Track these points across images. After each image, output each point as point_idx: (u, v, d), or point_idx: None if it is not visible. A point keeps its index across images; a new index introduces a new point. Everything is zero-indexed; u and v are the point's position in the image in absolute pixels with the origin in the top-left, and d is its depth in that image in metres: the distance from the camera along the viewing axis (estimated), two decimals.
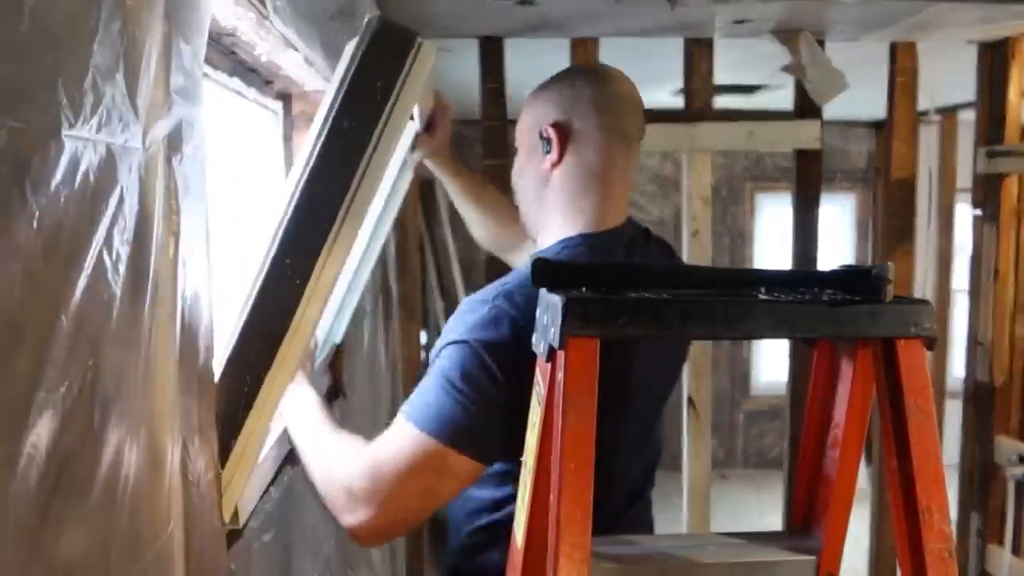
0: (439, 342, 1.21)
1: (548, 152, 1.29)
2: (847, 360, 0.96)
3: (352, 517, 1.18)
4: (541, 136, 1.30)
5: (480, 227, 1.85)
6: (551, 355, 0.85)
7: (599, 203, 1.29)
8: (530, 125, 1.34)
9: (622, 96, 1.31)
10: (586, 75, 1.35)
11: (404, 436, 1.16)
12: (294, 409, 1.34)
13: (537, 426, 0.89)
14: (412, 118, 1.71)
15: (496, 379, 1.12)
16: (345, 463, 1.21)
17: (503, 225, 1.78)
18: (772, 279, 0.89)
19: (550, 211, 1.32)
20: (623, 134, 1.29)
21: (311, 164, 1.06)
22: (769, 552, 0.99)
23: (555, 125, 1.28)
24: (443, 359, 1.17)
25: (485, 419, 1.13)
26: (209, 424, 0.90)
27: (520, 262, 1.74)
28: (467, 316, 1.18)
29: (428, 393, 1.16)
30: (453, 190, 1.84)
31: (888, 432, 0.88)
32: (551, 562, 0.81)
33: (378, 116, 1.10)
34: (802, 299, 0.86)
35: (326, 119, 1.09)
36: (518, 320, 1.13)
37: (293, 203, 1.04)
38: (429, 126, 1.73)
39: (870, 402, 0.95)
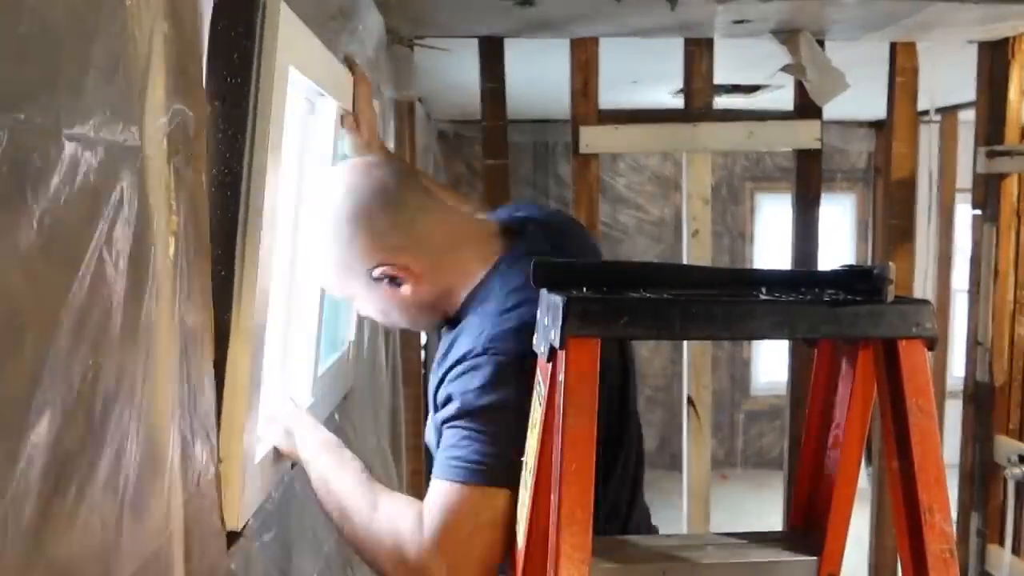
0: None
1: (401, 288, 1.24)
2: (848, 360, 0.96)
3: None
4: (379, 281, 1.24)
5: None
6: (552, 355, 0.85)
7: (474, 247, 1.27)
8: (352, 283, 1.27)
9: (386, 195, 1.25)
10: (377, 193, 1.25)
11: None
12: (323, 458, 1.21)
13: (538, 426, 0.89)
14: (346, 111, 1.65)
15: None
16: (411, 539, 1.08)
17: None
18: (773, 279, 0.89)
19: (447, 295, 1.27)
20: (424, 213, 1.26)
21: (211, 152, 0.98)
22: (770, 553, 0.99)
23: (380, 266, 1.23)
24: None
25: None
26: (209, 424, 0.90)
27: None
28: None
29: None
30: None
31: (889, 432, 0.88)
32: (552, 562, 0.81)
33: (246, 89, 0.98)
34: (804, 299, 0.86)
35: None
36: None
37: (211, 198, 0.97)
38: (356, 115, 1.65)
39: (871, 402, 0.95)
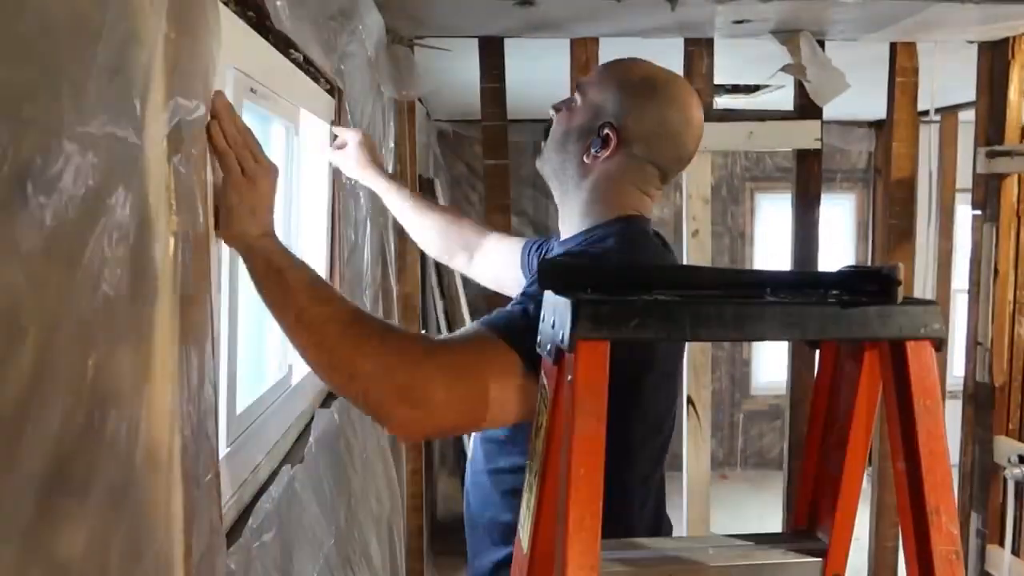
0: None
1: (598, 149, 1.32)
2: (852, 361, 0.96)
3: (416, 411, 1.06)
4: (600, 131, 1.32)
5: (423, 236, 1.84)
6: (559, 357, 0.84)
7: (627, 202, 1.35)
8: (599, 105, 1.34)
9: (688, 144, 1.37)
10: (679, 107, 1.36)
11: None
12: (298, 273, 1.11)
13: (544, 429, 0.88)
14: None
15: None
16: (411, 353, 1.09)
17: (445, 230, 1.79)
18: (779, 280, 0.89)
19: (584, 193, 1.36)
20: (665, 175, 1.37)
21: None
22: (775, 554, 0.98)
23: (618, 132, 1.31)
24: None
25: None
26: (209, 424, 0.89)
27: (471, 264, 1.77)
28: None
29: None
30: (390, 203, 1.84)
31: (896, 433, 0.87)
32: (559, 568, 0.80)
33: None
34: (813, 301, 0.86)
35: None
36: None
37: None
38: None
39: (877, 403, 0.95)
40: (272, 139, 1.51)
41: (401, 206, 1.82)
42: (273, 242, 1.10)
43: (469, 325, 1.15)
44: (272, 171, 1.11)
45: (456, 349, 1.13)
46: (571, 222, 1.38)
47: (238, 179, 1.05)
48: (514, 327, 1.10)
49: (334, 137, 1.81)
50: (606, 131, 1.31)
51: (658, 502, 1.38)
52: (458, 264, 1.82)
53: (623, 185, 1.34)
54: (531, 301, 1.11)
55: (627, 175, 1.33)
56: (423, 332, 1.13)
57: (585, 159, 1.33)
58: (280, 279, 1.08)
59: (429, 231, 1.81)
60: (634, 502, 1.29)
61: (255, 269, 1.09)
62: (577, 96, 1.39)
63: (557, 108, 1.42)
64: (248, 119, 1.22)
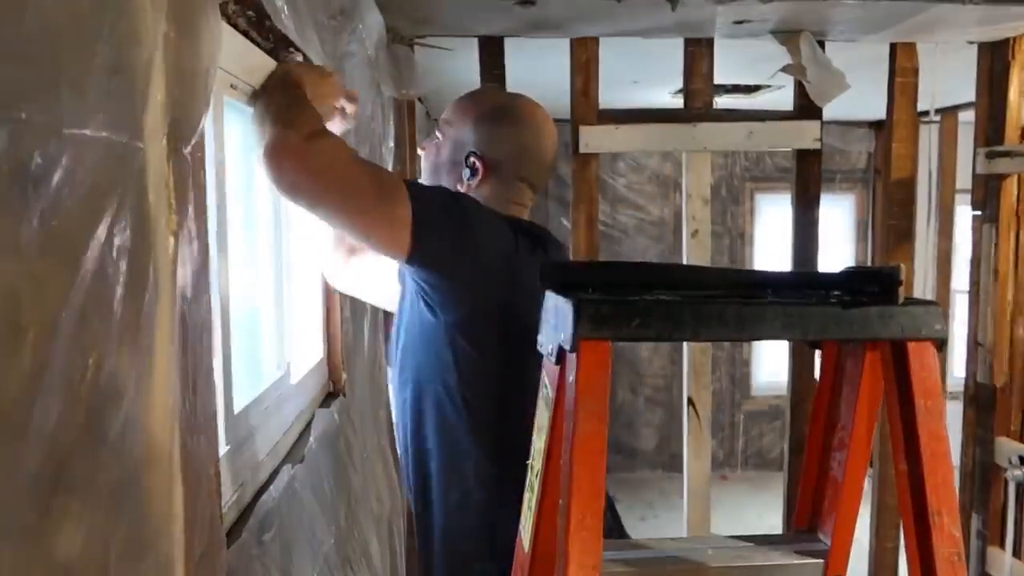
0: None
1: (469, 177, 1.50)
2: (854, 362, 0.95)
3: (301, 140, 1.24)
4: (467, 161, 1.49)
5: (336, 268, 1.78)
6: (560, 357, 0.84)
7: (513, 213, 1.51)
8: (461, 139, 1.52)
9: (546, 155, 1.55)
10: (529, 125, 1.53)
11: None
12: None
13: (545, 429, 0.88)
14: None
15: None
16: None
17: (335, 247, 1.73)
18: (780, 280, 0.89)
19: None
20: (533, 186, 1.55)
21: None
22: (776, 555, 0.98)
23: (483, 160, 1.49)
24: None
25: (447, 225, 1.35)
26: (209, 423, 0.89)
27: (339, 261, 1.73)
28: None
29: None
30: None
31: (897, 434, 0.87)
32: (561, 567, 0.80)
33: None
34: (814, 301, 0.86)
35: None
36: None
37: None
38: None
39: (879, 404, 0.94)
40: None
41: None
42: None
43: None
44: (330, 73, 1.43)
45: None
46: None
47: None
48: (422, 192, 1.35)
49: None
50: (473, 160, 1.49)
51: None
52: (333, 259, 1.74)
53: (499, 204, 1.48)
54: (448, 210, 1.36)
55: (501, 194, 1.50)
56: None
57: (459, 187, 1.50)
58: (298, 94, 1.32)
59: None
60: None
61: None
62: (439, 134, 1.55)
63: (423, 148, 1.59)
64: (229, 116, 1.23)
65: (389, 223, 1.29)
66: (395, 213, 1.28)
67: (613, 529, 1.45)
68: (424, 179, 1.57)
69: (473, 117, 1.51)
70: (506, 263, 1.35)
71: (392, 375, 1.59)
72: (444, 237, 1.33)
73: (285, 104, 1.27)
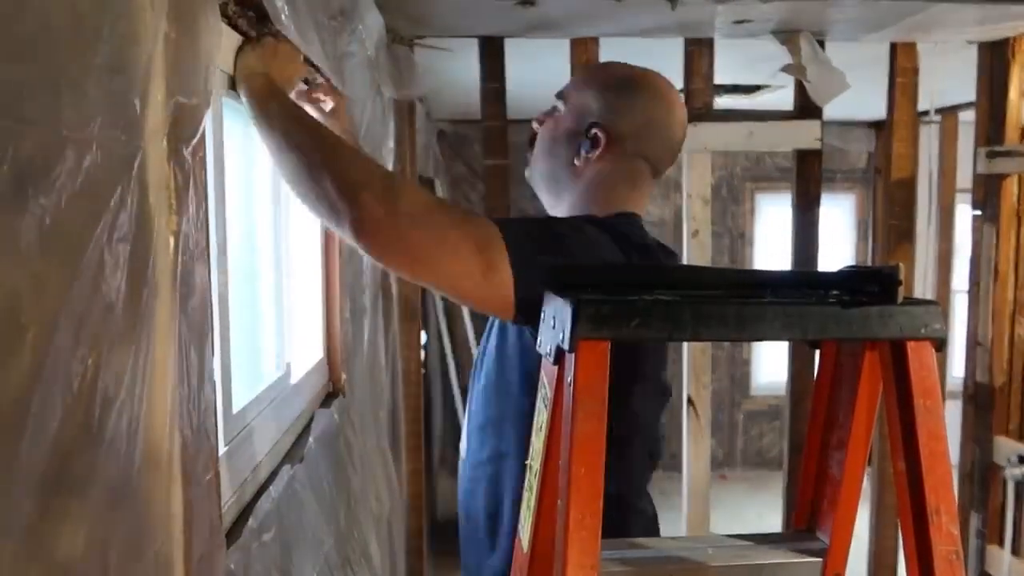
0: None
1: (589, 150, 1.34)
2: (853, 361, 0.95)
3: (378, 207, 1.09)
4: (588, 132, 1.33)
5: None
6: (559, 357, 0.84)
7: (622, 202, 1.35)
8: (584, 108, 1.36)
9: (675, 134, 1.39)
10: (661, 99, 1.37)
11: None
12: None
13: (544, 429, 0.88)
14: None
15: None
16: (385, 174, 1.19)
17: None
18: (780, 280, 0.89)
19: (577, 196, 1.37)
20: (656, 170, 1.39)
21: None
22: (776, 554, 0.98)
23: (608, 133, 1.33)
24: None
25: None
26: (209, 423, 0.89)
27: None
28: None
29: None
30: None
31: (896, 434, 0.87)
32: (559, 567, 0.80)
33: None
34: (814, 301, 0.86)
35: None
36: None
37: None
38: None
39: (877, 403, 0.94)
40: (257, 136, 1.50)
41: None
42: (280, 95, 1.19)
43: None
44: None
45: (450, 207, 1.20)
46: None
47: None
48: (517, 237, 1.13)
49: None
50: (595, 131, 1.32)
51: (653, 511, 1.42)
52: None
53: (616, 183, 1.34)
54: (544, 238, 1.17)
55: (619, 173, 1.34)
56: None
57: (576, 162, 1.34)
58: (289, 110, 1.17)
59: None
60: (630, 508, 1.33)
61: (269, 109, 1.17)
62: (559, 104, 1.40)
63: (540, 120, 1.43)
64: (229, 116, 1.22)
65: (490, 284, 1.12)
66: (495, 274, 1.11)
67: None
68: (538, 154, 1.41)
69: (599, 83, 1.38)
70: None
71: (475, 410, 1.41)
72: None
73: (322, 154, 1.12)
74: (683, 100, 1.43)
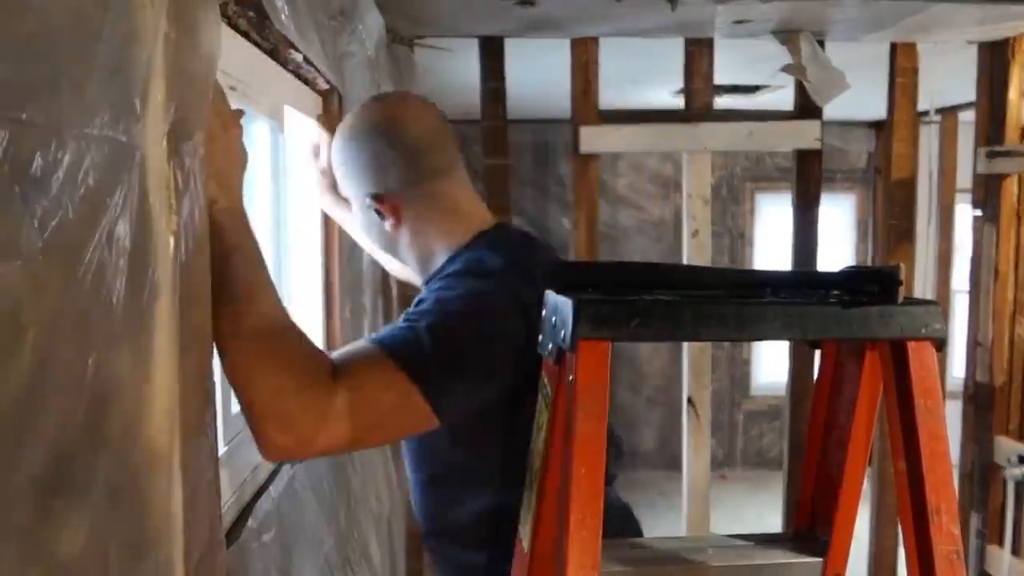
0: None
1: (390, 224, 1.29)
2: (854, 361, 0.96)
3: (284, 437, 1.01)
4: (373, 208, 1.29)
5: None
6: (560, 357, 0.84)
7: (459, 221, 1.30)
8: (353, 195, 1.32)
9: (421, 140, 1.28)
10: (382, 132, 1.28)
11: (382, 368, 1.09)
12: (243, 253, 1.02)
13: (544, 429, 0.88)
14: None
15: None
16: (313, 375, 1.03)
17: None
18: (780, 280, 0.89)
19: (423, 250, 1.32)
20: (437, 172, 1.28)
21: None
22: (776, 554, 0.98)
23: (377, 198, 1.28)
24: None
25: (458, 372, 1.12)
26: (209, 423, 0.89)
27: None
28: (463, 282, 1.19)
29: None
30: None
31: (897, 433, 0.87)
32: (560, 567, 0.80)
33: None
34: (814, 301, 0.86)
35: None
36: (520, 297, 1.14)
37: None
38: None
39: (878, 403, 0.94)
40: (255, 137, 1.51)
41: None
42: (231, 217, 0.98)
43: (366, 346, 1.11)
44: (237, 125, 1.01)
45: (352, 383, 1.05)
46: (428, 267, 1.33)
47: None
48: (407, 350, 1.08)
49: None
50: (374, 206, 1.28)
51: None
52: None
53: (436, 216, 1.29)
54: (421, 319, 1.11)
55: (429, 208, 1.29)
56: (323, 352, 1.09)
57: (389, 230, 1.30)
58: (222, 263, 0.96)
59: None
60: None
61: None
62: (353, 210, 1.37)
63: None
64: None
65: (415, 421, 1.09)
66: (414, 412, 1.07)
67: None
68: (376, 246, 1.40)
69: (338, 168, 1.32)
70: (526, 351, 1.06)
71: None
72: (465, 393, 1.12)
73: (225, 336, 0.98)
74: (406, 99, 1.38)
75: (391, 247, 1.36)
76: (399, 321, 1.16)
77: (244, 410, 1.03)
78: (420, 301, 1.19)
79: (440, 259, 1.29)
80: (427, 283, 1.29)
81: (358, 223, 1.36)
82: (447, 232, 1.29)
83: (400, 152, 1.26)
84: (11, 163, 0.48)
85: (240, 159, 1.01)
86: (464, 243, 1.28)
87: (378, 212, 1.28)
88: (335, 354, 1.10)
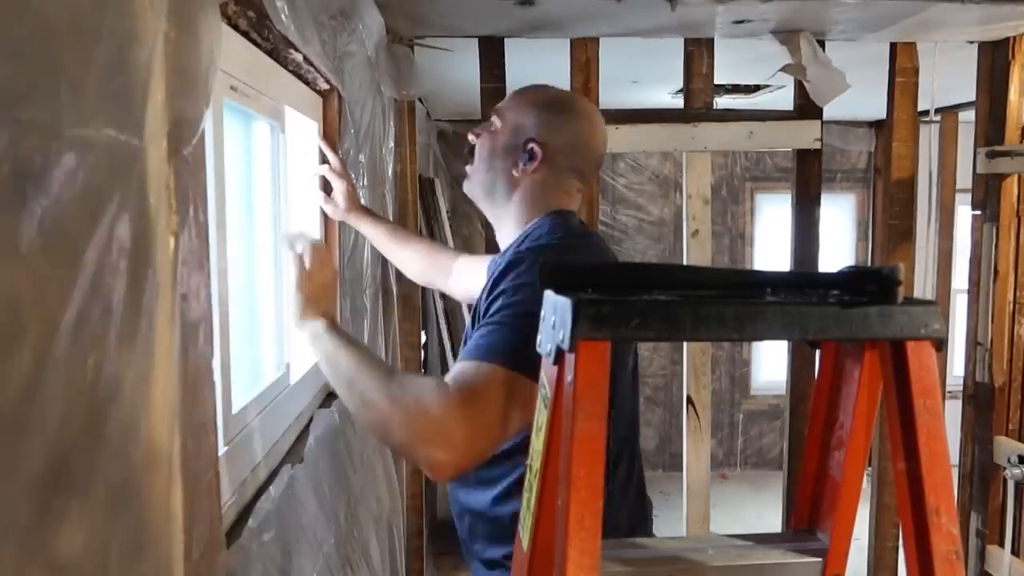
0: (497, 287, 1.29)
1: (526, 162, 1.47)
2: (853, 361, 0.95)
3: (443, 453, 1.14)
4: (525, 146, 1.47)
5: (409, 266, 2.04)
6: (559, 357, 0.84)
7: (560, 204, 1.49)
8: (520, 125, 1.49)
9: (599, 149, 1.54)
10: (587, 119, 1.52)
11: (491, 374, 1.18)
12: (336, 343, 1.32)
13: (543, 429, 0.88)
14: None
15: None
16: (434, 398, 1.17)
17: (428, 258, 2.00)
18: (779, 280, 0.89)
19: (516, 204, 1.49)
20: (583, 179, 1.53)
21: None
22: (775, 554, 0.98)
23: (543, 148, 1.46)
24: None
25: None
26: (209, 423, 0.89)
27: (447, 285, 1.97)
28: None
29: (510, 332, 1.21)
30: (375, 239, 2.02)
31: (896, 433, 0.87)
32: (559, 568, 0.80)
33: None
34: (813, 301, 0.86)
35: None
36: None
37: None
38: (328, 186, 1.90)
39: (877, 403, 0.94)
40: (255, 138, 1.51)
41: (384, 241, 2.00)
42: (332, 332, 1.34)
43: (468, 362, 1.19)
44: (332, 264, 1.37)
45: (468, 393, 1.16)
46: (508, 232, 1.51)
47: (301, 272, 1.36)
48: (510, 350, 1.17)
49: (325, 187, 1.91)
50: (531, 146, 1.46)
51: (639, 487, 1.51)
52: (438, 285, 2.03)
53: (550, 192, 1.48)
54: (511, 312, 1.21)
55: (553, 183, 1.48)
56: (432, 377, 1.20)
57: (514, 173, 1.48)
58: (336, 359, 1.29)
59: (411, 261, 2.02)
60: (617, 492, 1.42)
61: (320, 352, 1.33)
62: (496, 120, 1.53)
63: (477, 133, 1.56)
64: (229, 116, 1.22)
65: (528, 398, 1.14)
66: (522, 391, 1.16)
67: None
68: (478, 166, 1.55)
69: (534, 104, 1.51)
70: None
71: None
72: None
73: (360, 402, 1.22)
74: (602, 121, 1.57)
75: (492, 186, 1.51)
76: (493, 304, 1.26)
77: (402, 452, 1.23)
78: (508, 268, 1.29)
79: (520, 226, 1.47)
80: (503, 252, 1.47)
81: (489, 140, 1.52)
82: (544, 208, 1.47)
83: (588, 142, 1.51)
84: (11, 163, 0.48)
85: (335, 288, 1.38)
86: (541, 216, 1.46)
87: (530, 152, 1.46)
88: (447, 377, 1.20)
